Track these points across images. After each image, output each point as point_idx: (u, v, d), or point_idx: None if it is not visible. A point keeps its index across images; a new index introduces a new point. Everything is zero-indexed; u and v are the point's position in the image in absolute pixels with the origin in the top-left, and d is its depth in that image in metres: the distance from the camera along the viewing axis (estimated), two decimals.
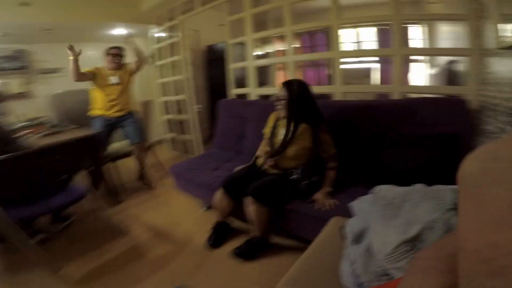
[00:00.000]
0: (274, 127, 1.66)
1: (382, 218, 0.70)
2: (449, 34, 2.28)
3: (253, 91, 2.58)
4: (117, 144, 2.81)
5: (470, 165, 0.24)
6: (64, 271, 1.55)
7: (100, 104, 2.57)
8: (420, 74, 3.87)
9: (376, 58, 4.27)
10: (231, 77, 2.83)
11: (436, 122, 1.42)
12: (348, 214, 1.03)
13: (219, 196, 1.63)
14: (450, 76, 2.21)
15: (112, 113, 2.56)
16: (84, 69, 2.51)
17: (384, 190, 0.80)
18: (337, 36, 2.02)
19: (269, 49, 4.00)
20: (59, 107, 3.68)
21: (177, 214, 2.20)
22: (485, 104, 1.36)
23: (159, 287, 1.44)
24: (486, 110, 1.33)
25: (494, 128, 1.22)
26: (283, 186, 1.48)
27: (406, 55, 1.92)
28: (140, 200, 2.50)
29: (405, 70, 4.06)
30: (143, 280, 1.48)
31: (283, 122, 1.61)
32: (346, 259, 0.74)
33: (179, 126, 3.78)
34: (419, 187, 0.78)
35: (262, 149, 1.72)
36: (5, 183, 1.34)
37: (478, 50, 1.45)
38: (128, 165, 2.94)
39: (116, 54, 2.59)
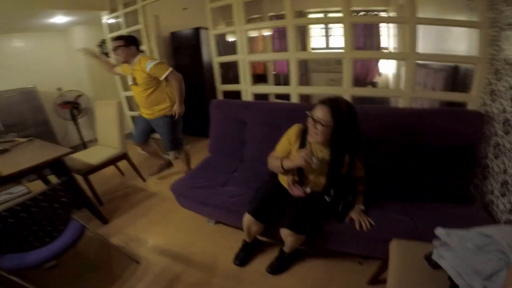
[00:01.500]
0: (302, 147, 1.43)
1: None
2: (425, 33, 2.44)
3: (249, 89, 2.41)
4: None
5: None
6: None
7: None
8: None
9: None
10: (216, 72, 2.58)
11: (455, 134, 1.56)
12: (386, 228, 1.29)
13: (248, 221, 1.53)
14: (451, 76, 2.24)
15: (144, 114, 2.42)
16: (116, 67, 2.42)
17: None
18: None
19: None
20: None
21: (186, 230, 2.02)
22: (493, 116, 1.50)
23: None
24: (494, 122, 1.48)
25: (503, 141, 1.36)
26: (317, 211, 1.46)
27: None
28: (131, 215, 2.22)
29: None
30: None
31: (318, 148, 1.41)
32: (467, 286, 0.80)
33: None
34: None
35: (273, 165, 1.52)
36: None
37: (488, 60, 1.56)
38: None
39: (114, 47, 2.19)
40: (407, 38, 1.79)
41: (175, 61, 4.01)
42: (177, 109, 2.32)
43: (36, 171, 2.14)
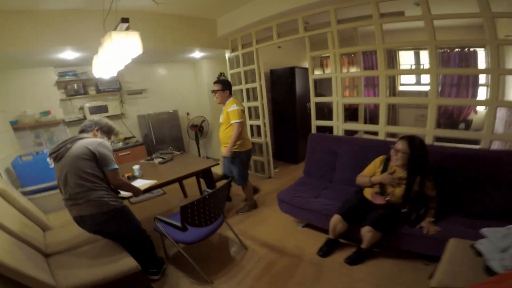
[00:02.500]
0: (384, 171, 2.07)
1: None
2: None
3: (340, 125, 2.99)
4: None
5: None
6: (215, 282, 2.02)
7: None
8: None
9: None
10: (313, 109, 3.22)
11: None
12: (451, 234, 1.66)
13: (336, 220, 2.11)
14: None
15: (222, 153, 2.87)
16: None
17: None
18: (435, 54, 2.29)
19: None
20: (145, 128, 4.23)
21: (280, 230, 2.67)
22: None
23: None
24: None
25: None
26: (394, 217, 1.96)
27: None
28: (238, 218, 3.00)
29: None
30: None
31: (399, 171, 2.01)
32: (492, 258, 1.29)
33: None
34: None
35: (362, 181, 2.17)
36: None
37: None
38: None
39: (213, 91, 2.81)
40: (491, 87, 2.07)
41: (272, 94, 4.83)
42: (224, 152, 2.80)
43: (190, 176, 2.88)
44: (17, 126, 3.31)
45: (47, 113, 3.54)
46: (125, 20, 1.85)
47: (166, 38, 3.42)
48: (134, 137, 4.31)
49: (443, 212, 1.99)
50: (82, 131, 1.89)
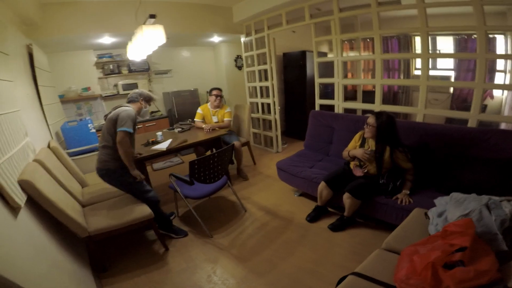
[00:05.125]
0: (362, 146, 2.32)
1: (453, 206, 1.41)
2: None
3: (340, 104, 3.25)
4: None
5: None
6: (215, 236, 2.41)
7: None
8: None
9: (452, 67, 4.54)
10: (317, 89, 3.51)
11: (504, 149, 1.94)
12: (423, 206, 1.78)
13: (322, 187, 2.41)
14: None
15: None
16: (198, 121, 3.63)
17: (456, 194, 1.51)
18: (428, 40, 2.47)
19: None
20: (169, 104, 4.78)
21: (278, 197, 3.04)
22: None
23: (278, 250, 2.17)
24: None
25: None
26: (371, 187, 2.20)
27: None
28: (244, 185, 3.42)
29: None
30: (269, 245, 2.24)
31: (371, 142, 2.26)
32: (431, 223, 1.50)
33: (262, 123, 4.62)
34: (472, 195, 1.45)
35: (344, 155, 2.42)
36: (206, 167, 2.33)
37: None
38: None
39: (219, 95, 3.60)
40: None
41: (285, 76, 5.14)
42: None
43: (195, 146, 3.55)
44: (63, 100, 3.91)
45: (87, 89, 4.13)
46: (152, 16, 2.31)
47: (188, 24, 3.83)
48: (159, 111, 4.85)
49: (421, 187, 2.15)
50: (129, 102, 2.28)
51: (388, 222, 2.14)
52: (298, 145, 4.64)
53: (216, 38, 4.71)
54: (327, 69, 3.49)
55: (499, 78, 4.12)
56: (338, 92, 3.25)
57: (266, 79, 4.23)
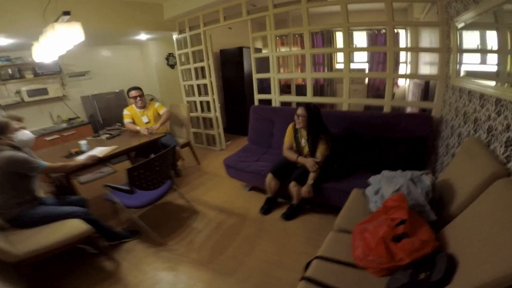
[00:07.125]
0: (296, 137, 2.45)
1: (385, 183, 1.60)
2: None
3: (277, 98, 3.39)
4: None
5: None
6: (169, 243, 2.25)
7: None
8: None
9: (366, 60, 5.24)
10: (255, 84, 3.59)
11: (413, 130, 2.32)
12: (360, 187, 1.96)
13: (269, 178, 2.47)
14: (426, 87, 3.12)
15: None
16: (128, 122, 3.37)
17: (386, 172, 1.71)
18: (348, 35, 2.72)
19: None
20: (90, 108, 4.24)
21: (229, 195, 3.00)
22: (445, 119, 2.25)
23: (240, 247, 2.16)
24: (444, 124, 2.23)
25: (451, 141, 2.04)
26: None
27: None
28: (191, 186, 3.27)
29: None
30: (230, 243, 2.21)
31: (303, 132, 2.39)
32: (371, 201, 1.66)
33: (202, 122, 4.49)
34: (399, 172, 1.66)
35: (290, 157, 2.45)
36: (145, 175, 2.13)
37: (444, 77, 2.29)
38: None
39: (140, 95, 3.38)
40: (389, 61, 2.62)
41: (222, 73, 5.07)
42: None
43: (132, 151, 3.27)
44: None
45: None
46: (66, 12, 1.98)
47: (109, 21, 3.40)
48: (78, 117, 4.23)
49: (356, 169, 2.35)
50: None
51: (332, 204, 2.32)
52: (241, 141, 4.65)
53: (143, 36, 4.30)
54: (262, 64, 3.61)
55: (402, 69, 4.95)
56: (274, 87, 3.38)
57: (204, 76, 4.10)
